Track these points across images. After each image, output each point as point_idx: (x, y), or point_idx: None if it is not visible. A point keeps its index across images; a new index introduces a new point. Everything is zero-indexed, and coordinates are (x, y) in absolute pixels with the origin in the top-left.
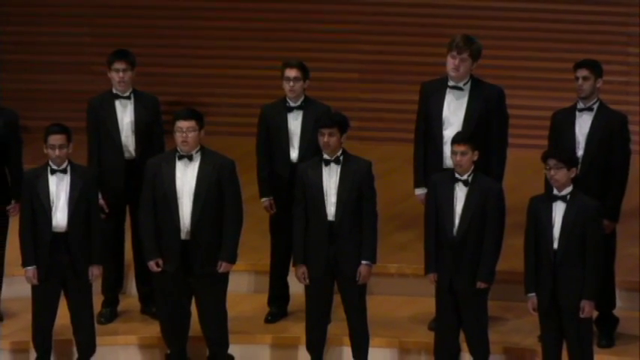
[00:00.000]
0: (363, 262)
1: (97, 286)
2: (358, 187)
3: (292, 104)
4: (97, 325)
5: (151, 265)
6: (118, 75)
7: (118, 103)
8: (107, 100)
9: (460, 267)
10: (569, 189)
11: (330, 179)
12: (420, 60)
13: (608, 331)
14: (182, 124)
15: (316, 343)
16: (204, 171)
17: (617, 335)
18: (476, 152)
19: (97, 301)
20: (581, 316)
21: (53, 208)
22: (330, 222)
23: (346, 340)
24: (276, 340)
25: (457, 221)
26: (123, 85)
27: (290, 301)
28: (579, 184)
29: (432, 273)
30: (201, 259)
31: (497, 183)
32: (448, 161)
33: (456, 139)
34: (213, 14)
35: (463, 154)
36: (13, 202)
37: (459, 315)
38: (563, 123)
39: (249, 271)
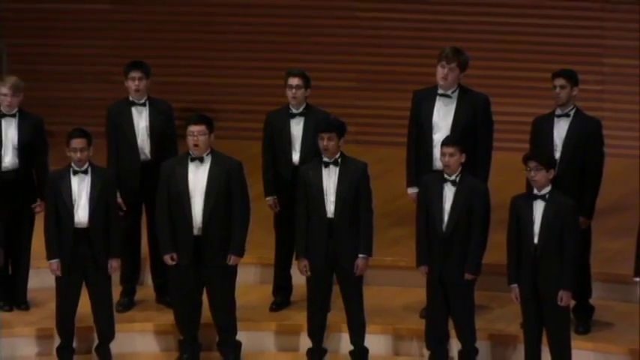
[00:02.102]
0: (360, 255)
1: (115, 278)
2: (355, 186)
3: (294, 111)
4: (115, 313)
5: (166, 258)
6: (134, 83)
7: (134, 110)
8: (124, 107)
9: (449, 260)
10: (548, 189)
11: (330, 180)
12: (412, 70)
13: (584, 318)
14: (194, 129)
15: (317, 330)
16: (214, 172)
17: (592, 322)
18: (463, 154)
19: (116, 291)
20: (560, 304)
21: (75, 206)
22: (330, 219)
23: (344, 327)
24: (280, 327)
25: (446, 218)
26: (139, 93)
27: (293, 292)
28: (557, 184)
29: (423, 265)
30: (212, 252)
31: (482, 183)
32: (437, 163)
33: (445, 142)
34: (222, 28)
35: (451, 155)
36: (38, 200)
37: (448, 304)
38: (542, 128)
39: (255, 263)
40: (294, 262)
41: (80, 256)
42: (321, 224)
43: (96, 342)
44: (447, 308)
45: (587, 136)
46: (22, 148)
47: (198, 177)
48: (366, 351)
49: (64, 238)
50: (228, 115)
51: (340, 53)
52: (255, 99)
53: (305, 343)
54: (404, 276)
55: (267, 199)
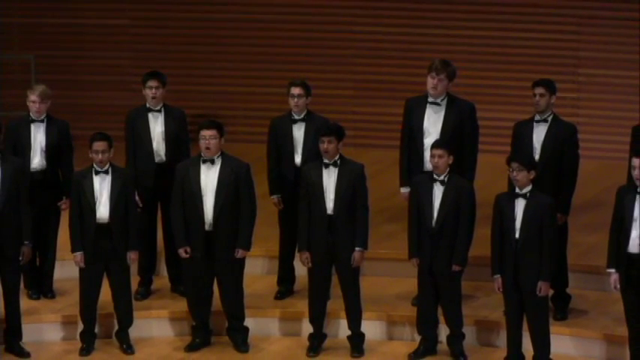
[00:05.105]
0: (357, 248)
1: (134, 269)
2: (353, 185)
3: (297, 117)
4: (134, 301)
5: (180, 252)
6: (151, 92)
7: (150, 116)
8: (142, 113)
9: (438, 253)
10: (528, 188)
11: (330, 179)
12: (405, 79)
13: (562, 306)
14: (205, 133)
15: (318, 317)
16: (224, 173)
17: (569, 310)
18: (451, 157)
19: (134, 281)
20: (539, 294)
21: (97, 203)
22: (329, 215)
23: (343, 314)
24: (284, 314)
25: (435, 215)
26: (155, 101)
27: (295, 282)
28: (536, 184)
29: (414, 258)
30: (221, 246)
31: (469, 182)
32: (428, 165)
33: (435, 145)
34: (231, 41)
35: (440, 157)
36: (64, 198)
37: (437, 293)
38: (522, 132)
39: (261, 256)
40: (297, 255)
41: (101, 248)
42: (322, 220)
43: (116, 327)
44: (437, 297)
45: (564, 140)
46: (50, 151)
47: (209, 177)
48: (362, 336)
49: (86, 232)
50: (236, 120)
51: (338, 64)
52: (260, 106)
53: (307, 328)
54: (397, 267)
55: (272, 197)
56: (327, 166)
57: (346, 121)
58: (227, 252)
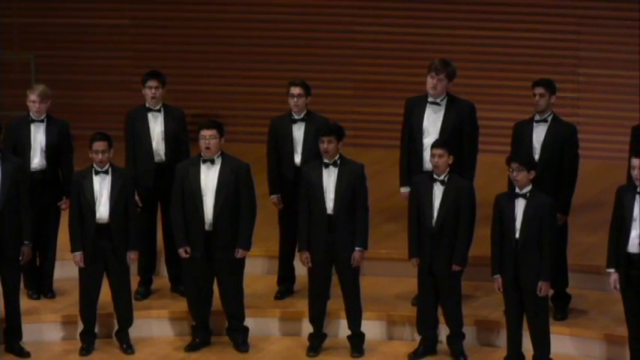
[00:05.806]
0: (357, 248)
1: (133, 269)
2: (353, 185)
3: (296, 117)
4: (134, 301)
5: (181, 252)
6: (151, 91)
7: (150, 116)
8: (141, 113)
9: (438, 253)
10: (528, 188)
11: (329, 179)
12: (405, 79)
13: (562, 306)
14: (205, 133)
15: (318, 316)
16: (224, 172)
17: (569, 310)
18: (451, 156)
19: (134, 281)
20: (539, 294)
21: (97, 203)
22: (329, 215)
23: (343, 313)
24: (284, 314)
25: (435, 214)
26: (155, 101)
27: (295, 281)
28: (536, 184)
29: (414, 258)
30: (221, 246)
31: (469, 182)
32: (427, 165)
33: (435, 144)
34: (231, 41)
35: (440, 156)
36: (64, 198)
37: (437, 293)
38: (522, 132)
39: (261, 256)
40: (297, 255)
41: (101, 248)
42: (322, 220)
43: (116, 327)
44: (437, 297)
45: (564, 140)
46: (50, 151)
47: (209, 177)
48: (362, 336)
49: (86, 232)
50: (236, 120)
51: (338, 64)
52: (260, 106)
53: (307, 328)
54: (397, 267)
55: (272, 197)
56: (327, 166)
57: (346, 121)
58: (227, 252)
